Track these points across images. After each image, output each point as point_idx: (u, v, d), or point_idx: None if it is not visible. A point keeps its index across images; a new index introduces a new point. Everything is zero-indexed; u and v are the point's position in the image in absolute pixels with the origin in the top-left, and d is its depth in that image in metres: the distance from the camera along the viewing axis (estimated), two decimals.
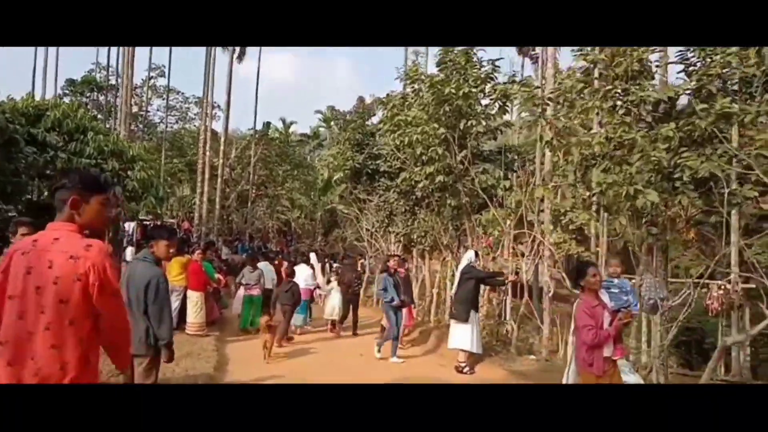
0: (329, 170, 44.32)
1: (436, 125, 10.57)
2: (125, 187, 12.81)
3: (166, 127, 30.21)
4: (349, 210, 18.85)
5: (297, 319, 12.21)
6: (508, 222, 10.67)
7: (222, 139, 26.35)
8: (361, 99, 51.32)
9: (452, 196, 11.48)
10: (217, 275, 12.92)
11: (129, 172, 13.19)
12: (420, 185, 11.38)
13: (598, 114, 7.79)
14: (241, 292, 12.48)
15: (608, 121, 7.47)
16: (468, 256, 9.29)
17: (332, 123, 55.38)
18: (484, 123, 11.04)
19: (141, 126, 30.12)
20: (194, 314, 11.42)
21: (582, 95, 8.00)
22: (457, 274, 9.31)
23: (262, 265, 12.90)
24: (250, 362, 9.84)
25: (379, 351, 10.14)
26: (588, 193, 7.78)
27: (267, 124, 37.07)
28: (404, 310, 11.64)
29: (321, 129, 56.67)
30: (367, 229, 19.58)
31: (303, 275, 12.69)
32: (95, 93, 27.17)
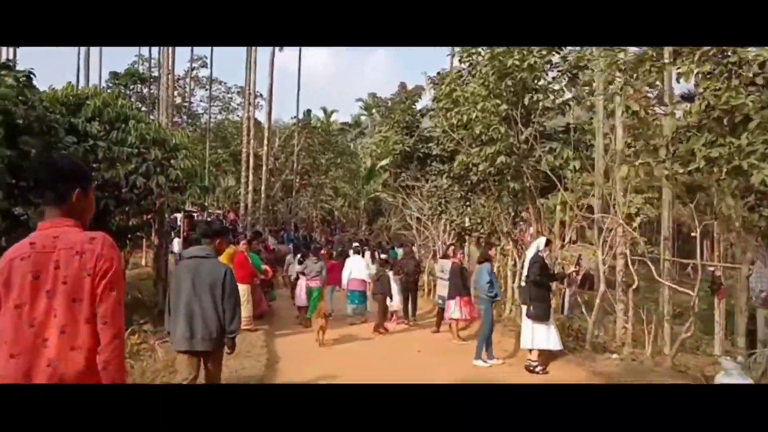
0: (372, 158, 43.96)
1: (497, 101, 9.65)
2: (168, 177, 12.31)
3: (210, 117, 29.97)
4: (396, 197, 18.08)
5: (351, 308, 12.64)
6: (578, 206, 9.70)
7: (266, 127, 25.83)
8: (402, 85, 50.29)
9: (514, 179, 10.56)
10: (264, 266, 12.37)
11: (172, 161, 12.68)
12: (479, 168, 10.48)
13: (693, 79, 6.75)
14: (304, 283, 12.39)
15: (708, 86, 6.45)
16: (537, 244, 8.39)
17: (374, 110, 54.83)
18: (551, 97, 10.05)
19: (184, 117, 29.97)
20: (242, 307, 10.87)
21: (673, 60, 6.99)
22: (525, 263, 8.43)
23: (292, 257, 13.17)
24: (302, 359, 9.28)
25: (483, 359, 8.91)
26: (682, 170, 6.78)
27: (308, 113, 36.60)
28: (457, 302, 10.92)
29: (362, 117, 56.24)
30: (417, 217, 18.81)
31: (358, 267, 12.75)
32: (138, 85, 27.07)
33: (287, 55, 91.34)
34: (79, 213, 2.37)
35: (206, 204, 17.37)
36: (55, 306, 2.21)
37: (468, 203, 13.69)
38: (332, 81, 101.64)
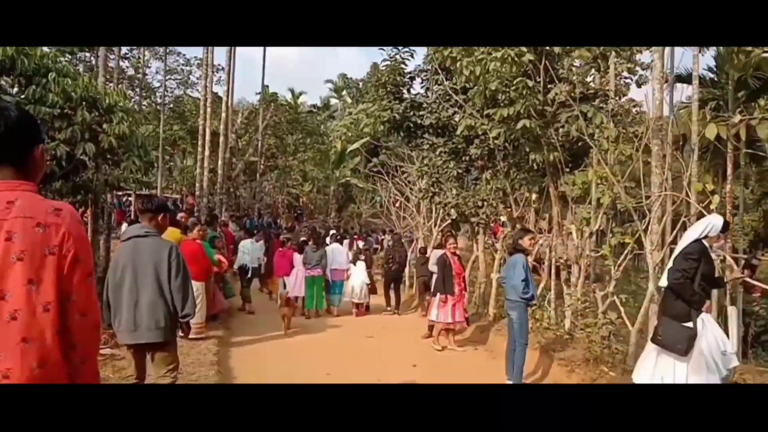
0: (343, 141, 41.59)
1: (522, 48, 7.47)
2: (100, 144, 9.85)
3: (165, 90, 27.06)
4: (368, 181, 16.00)
5: (334, 299, 12.31)
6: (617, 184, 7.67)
7: (224, 100, 22.93)
8: (375, 66, 47.96)
9: (535, 149, 8.45)
10: (217, 256, 10.03)
11: (105, 126, 10.19)
12: (491, 135, 8.32)
13: None
14: (301, 272, 11.76)
15: None
16: (704, 225, 4.98)
17: (344, 92, 52.39)
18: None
19: (138, 90, 27.03)
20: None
21: None
22: (673, 257, 5.07)
23: (247, 242, 12.60)
24: (261, 373, 7.14)
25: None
26: None
27: (274, 94, 33.77)
28: (451, 302, 9.24)
29: (332, 100, 53.77)
30: (398, 202, 16.69)
31: (339, 255, 12.38)
32: (86, 53, 24.09)
33: None
34: (35, 175, 2.00)
35: (148, 180, 14.80)
36: (4, 287, 1.83)
37: (469, 183, 11.59)
38: (300, 62, 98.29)
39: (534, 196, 10.14)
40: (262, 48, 29.63)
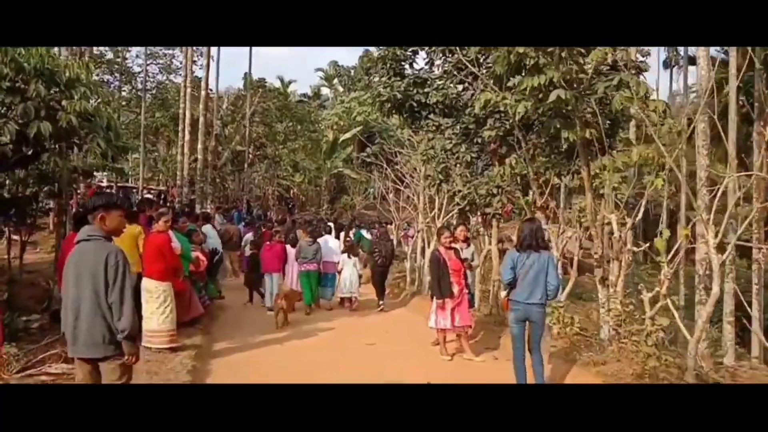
0: (334, 131, 40.18)
1: None
2: (58, 123, 8.53)
3: (146, 75, 25.49)
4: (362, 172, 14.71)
5: (326, 293, 11.88)
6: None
7: (204, 77, 21.13)
8: (367, 52, 46.47)
9: (565, 126, 7.17)
10: (195, 253, 8.73)
11: (64, 103, 8.84)
12: (518, 110, 7.01)
13: None
14: (295, 268, 11.33)
15: None
16: None
17: (335, 81, 50.87)
18: None
19: (117, 75, 25.47)
20: (157, 317, 7.22)
21: None
22: None
23: (207, 228, 11.85)
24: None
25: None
26: None
27: (262, 80, 32.17)
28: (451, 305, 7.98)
29: (323, 89, 52.25)
30: (397, 191, 15.43)
31: (329, 248, 11.90)
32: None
33: None
34: None
35: (121, 167, 13.43)
36: None
37: (478, 169, 10.33)
38: (289, 50, 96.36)
39: (564, 181, 8.85)
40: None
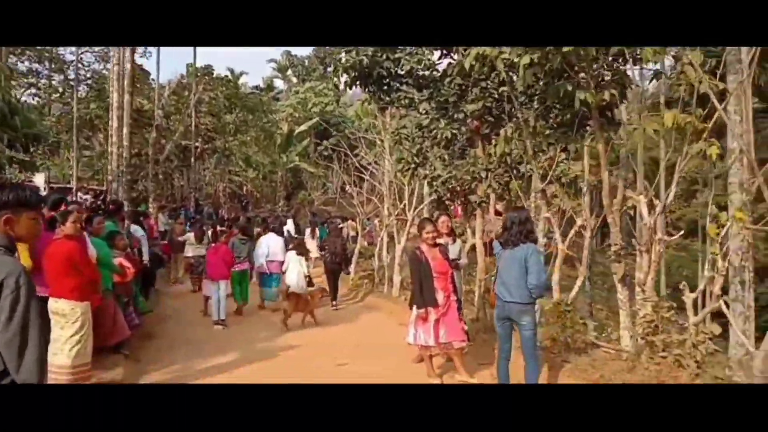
0: (289, 123, 38.26)
1: None
2: None
3: (78, 62, 23.10)
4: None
5: (270, 293, 11.12)
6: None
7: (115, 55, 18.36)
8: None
9: (579, 89, 5.73)
10: (118, 260, 6.94)
11: None
12: (523, 61, 5.50)
13: None
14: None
15: None
16: None
17: (289, 71, 48.87)
18: None
19: (46, 64, 23.01)
20: (69, 349, 5.45)
21: None
22: None
23: (135, 229, 10.21)
24: None
25: None
26: None
27: (209, 67, 29.78)
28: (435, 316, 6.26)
29: (276, 80, 50.22)
30: (359, 179, 13.91)
31: (272, 246, 11.15)
32: None
33: None
34: None
35: (33, 161, 11.44)
36: None
37: (456, 151, 8.83)
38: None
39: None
40: None
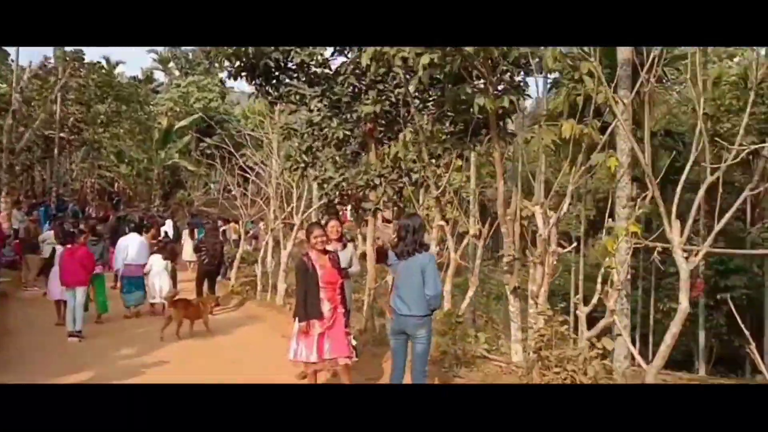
0: (169, 118, 35.99)
1: None
2: None
3: None
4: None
5: (129, 299, 10.30)
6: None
7: None
8: None
9: (478, 92, 5.50)
10: None
11: None
12: (423, 60, 5.16)
13: None
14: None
15: None
16: None
17: (171, 64, 46.24)
18: None
19: None
20: None
21: None
22: None
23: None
24: None
25: None
26: None
27: (79, 51, 26.92)
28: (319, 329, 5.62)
29: (157, 72, 47.32)
30: (243, 181, 13.15)
31: (132, 248, 10.45)
32: None
33: None
34: None
35: None
36: None
37: (348, 155, 8.42)
38: None
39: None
40: None
